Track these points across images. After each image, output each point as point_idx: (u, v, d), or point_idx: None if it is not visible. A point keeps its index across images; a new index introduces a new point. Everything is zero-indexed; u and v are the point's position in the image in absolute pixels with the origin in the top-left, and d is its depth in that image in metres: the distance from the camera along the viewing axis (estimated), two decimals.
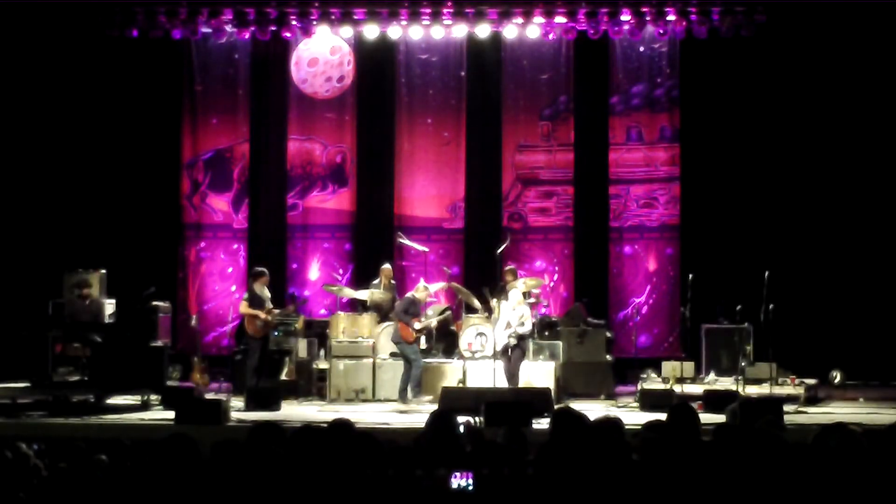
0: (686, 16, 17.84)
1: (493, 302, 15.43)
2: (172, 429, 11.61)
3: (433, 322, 15.75)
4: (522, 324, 14.72)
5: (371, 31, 18.27)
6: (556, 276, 18.92)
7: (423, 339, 15.56)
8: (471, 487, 4.70)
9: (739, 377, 15.04)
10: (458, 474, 4.77)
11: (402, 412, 14.10)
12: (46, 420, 13.34)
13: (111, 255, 17.47)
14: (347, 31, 18.54)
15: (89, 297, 15.75)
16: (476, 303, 16.19)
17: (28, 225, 18.33)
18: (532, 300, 15.98)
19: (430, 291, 15.63)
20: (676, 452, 5.12)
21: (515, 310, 14.79)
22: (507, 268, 16.43)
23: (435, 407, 13.21)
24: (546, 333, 16.11)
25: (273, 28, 18.30)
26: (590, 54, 18.68)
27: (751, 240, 17.91)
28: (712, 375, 16.29)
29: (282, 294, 17.42)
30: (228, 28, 18.44)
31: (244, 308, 15.45)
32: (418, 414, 13.39)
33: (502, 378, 14.71)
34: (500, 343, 14.72)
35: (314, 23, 18.29)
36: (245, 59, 19.03)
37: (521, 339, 14.78)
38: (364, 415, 13.54)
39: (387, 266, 16.85)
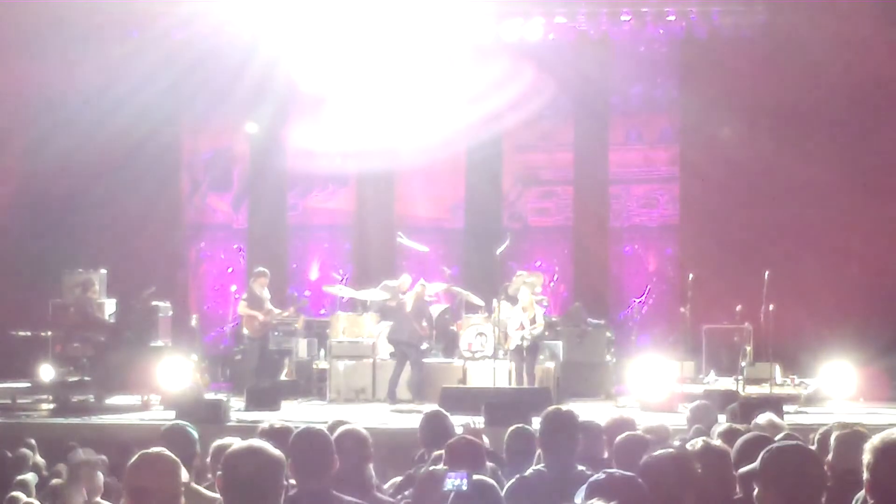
0: (686, 16, 17.86)
1: (494, 302, 15.43)
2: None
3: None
4: (535, 325, 14.73)
5: (371, 31, 18.25)
6: (555, 276, 18.92)
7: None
8: (465, 487, 4.71)
9: (739, 377, 15.02)
10: (452, 474, 4.78)
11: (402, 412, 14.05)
12: (46, 420, 13.34)
13: (111, 255, 17.48)
14: (348, 30, 18.51)
15: (94, 296, 15.79)
16: (475, 300, 16.17)
17: (28, 225, 18.33)
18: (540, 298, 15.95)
19: (427, 289, 15.55)
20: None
21: (527, 311, 14.77)
22: (517, 273, 16.34)
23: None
24: (546, 333, 16.11)
25: (273, 28, 18.28)
26: (590, 54, 18.68)
27: (751, 240, 17.90)
28: (712, 375, 16.28)
29: (282, 294, 17.41)
30: (228, 28, 18.42)
31: (242, 308, 15.45)
32: (418, 414, 13.35)
33: (502, 378, 14.70)
34: (514, 343, 14.74)
35: (315, 23, 18.27)
36: (245, 59, 18.98)
37: (535, 339, 14.82)
38: (364, 415, 13.51)
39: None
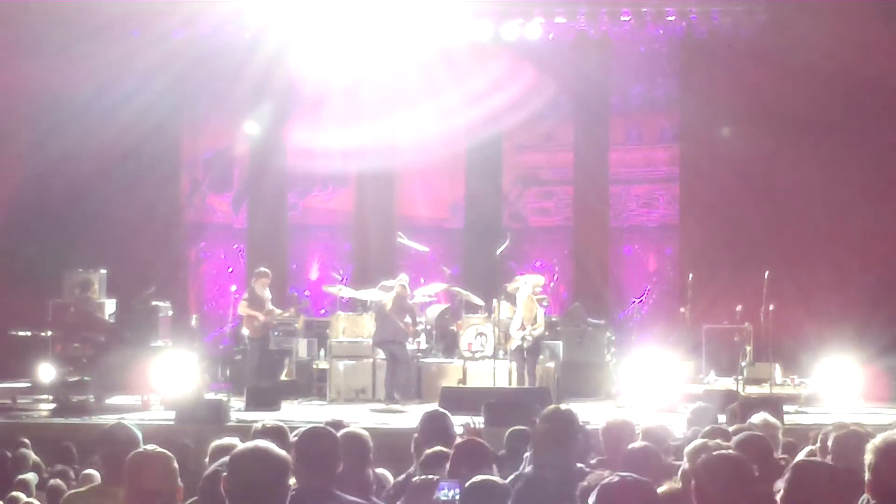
0: (686, 16, 17.84)
1: (494, 302, 15.43)
2: (173, 429, 11.62)
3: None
4: (536, 325, 14.72)
5: (371, 32, 18.23)
6: (555, 276, 18.92)
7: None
8: (458, 498, 4.71)
9: (739, 377, 15.02)
10: (445, 485, 4.79)
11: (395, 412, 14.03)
12: (46, 420, 13.34)
13: (111, 255, 17.47)
14: (348, 31, 18.50)
15: (94, 296, 15.79)
16: (475, 300, 16.16)
17: (28, 225, 18.31)
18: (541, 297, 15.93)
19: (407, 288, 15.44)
20: None
21: (526, 311, 14.75)
22: (517, 278, 16.33)
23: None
24: (546, 333, 16.11)
25: (273, 28, 18.27)
26: (590, 54, 18.67)
27: (751, 240, 17.90)
28: (712, 375, 16.28)
29: (282, 294, 17.40)
30: (228, 28, 18.41)
31: (243, 308, 15.43)
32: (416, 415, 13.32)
33: (502, 378, 14.70)
34: (514, 343, 14.73)
35: (315, 23, 18.26)
36: (245, 59, 18.95)
37: (536, 339, 14.81)
38: (363, 415, 13.52)
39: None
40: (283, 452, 3.99)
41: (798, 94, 17.97)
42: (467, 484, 4.90)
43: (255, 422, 7.25)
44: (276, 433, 6.03)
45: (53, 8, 17.88)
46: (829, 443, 5.80)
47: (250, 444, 4.08)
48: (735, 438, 5.50)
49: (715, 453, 4.44)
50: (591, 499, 4.13)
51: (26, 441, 9.59)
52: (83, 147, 18.38)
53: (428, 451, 6.22)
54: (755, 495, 4.34)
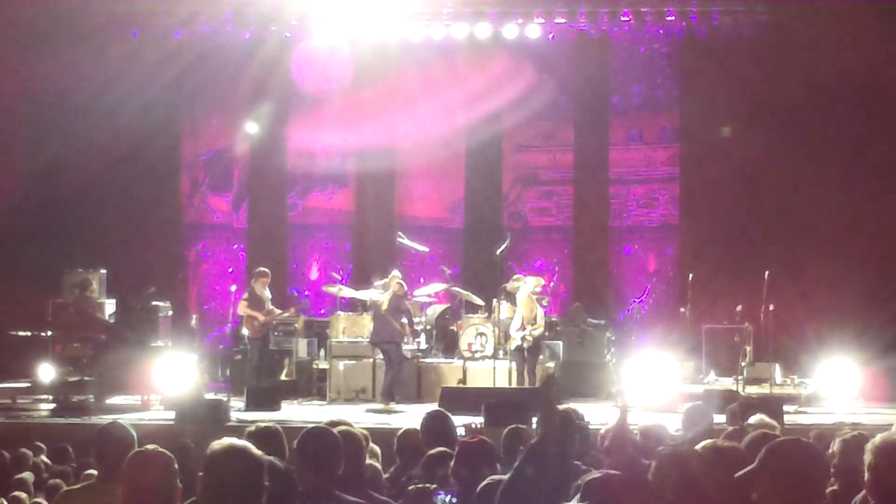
0: (686, 16, 17.83)
1: (494, 302, 15.43)
2: (173, 429, 11.62)
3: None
4: (536, 325, 14.71)
5: (371, 31, 18.24)
6: (555, 276, 18.92)
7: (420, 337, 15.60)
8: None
9: (739, 377, 15.02)
10: (442, 492, 4.79)
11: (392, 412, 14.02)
12: (46, 420, 13.34)
13: (111, 255, 17.47)
14: (348, 30, 18.49)
15: (92, 296, 15.79)
16: (475, 300, 16.16)
17: (28, 225, 18.31)
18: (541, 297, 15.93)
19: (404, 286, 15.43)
20: None
21: (526, 311, 14.74)
22: (515, 277, 16.34)
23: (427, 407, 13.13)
24: (546, 333, 16.10)
25: (273, 28, 18.28)
26: (590, 54, 18.67)
27: (751, 240, 17.90)
28: (712, 375, 16.28)
29: (282, 294, 17.39)
30: (228, 28, 18.41)
31: (243, 308, 15.42)
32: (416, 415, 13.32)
33: (502, 378, 14.70)
34: (514, 343, 14.73)
35: (315, 22, 18.26)
36: (245, 59, 18.97)
37: (536, 339, 14.81)
38: (363, 415, 13.52)
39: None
40: (259, 452, 3.97)
41: (798, 94, 17.98)
42: (482, 484, 4.91)
43: (255, 422, 7.25)
44: (271, 435, 6.02)
45: (53, 8, 17.87)
46: (831, 445, 5.79)
47: (226, 442, 4.03)
48: (748, 437, 5.47)
49: (667, 453, 4.38)
50: (579, 494, 4.15)
51: (42, 446, 9.58)
52: (83, 147, 18.39)
53: (431, 452, 6.22)
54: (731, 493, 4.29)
